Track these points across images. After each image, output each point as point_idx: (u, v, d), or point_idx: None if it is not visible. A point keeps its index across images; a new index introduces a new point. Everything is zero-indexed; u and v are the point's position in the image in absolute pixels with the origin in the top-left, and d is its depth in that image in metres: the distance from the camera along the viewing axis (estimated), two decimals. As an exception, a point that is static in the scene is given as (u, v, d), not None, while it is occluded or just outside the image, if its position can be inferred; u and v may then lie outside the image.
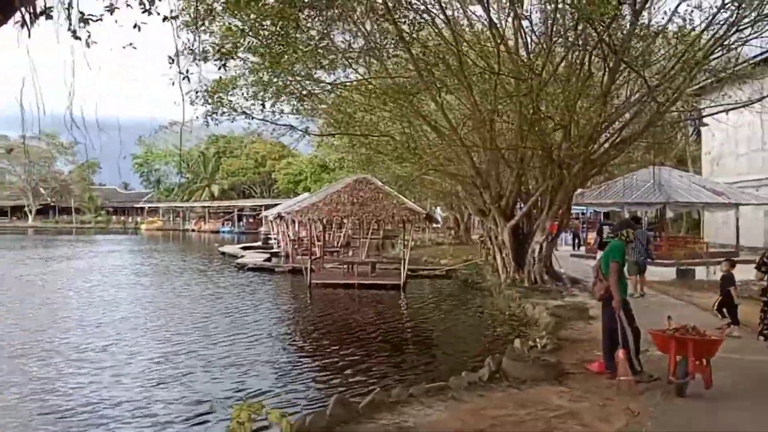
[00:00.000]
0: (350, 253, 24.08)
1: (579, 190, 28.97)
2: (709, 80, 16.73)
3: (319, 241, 21.98)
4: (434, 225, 47.44)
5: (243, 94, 14.62)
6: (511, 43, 13.81)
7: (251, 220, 59.90)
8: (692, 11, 12.42)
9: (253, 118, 14.59)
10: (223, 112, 14.38)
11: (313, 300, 16.48)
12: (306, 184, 58.12)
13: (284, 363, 9.51)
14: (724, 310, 9.31)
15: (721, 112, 15.06)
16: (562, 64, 13.29)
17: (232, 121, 14.96)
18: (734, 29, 12.09)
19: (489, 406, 6.05)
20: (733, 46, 13.51)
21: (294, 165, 63.50)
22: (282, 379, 8.50)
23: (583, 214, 31.70)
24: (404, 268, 17.48)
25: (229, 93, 14.48)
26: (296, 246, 23.72)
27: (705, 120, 33.85)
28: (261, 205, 58.40)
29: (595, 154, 14.29)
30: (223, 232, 60.68)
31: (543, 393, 6.44)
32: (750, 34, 12.58)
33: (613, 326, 6.84)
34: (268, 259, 25.70)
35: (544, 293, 13.65)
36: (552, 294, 13.56)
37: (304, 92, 14.58)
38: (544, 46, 13.05)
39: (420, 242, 33.62)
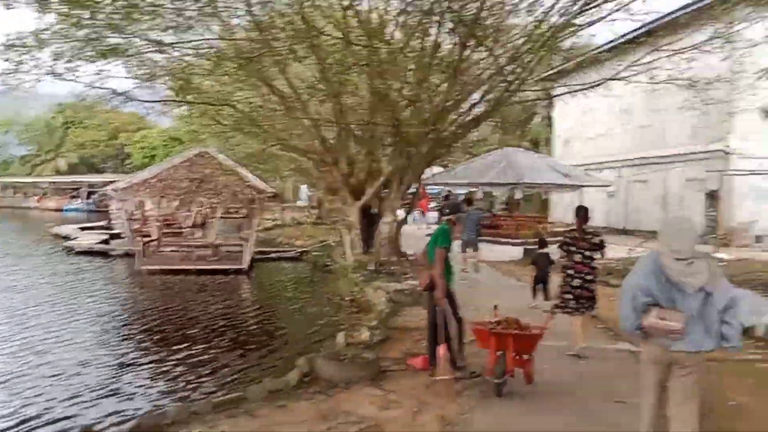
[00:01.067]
0: (198, 234, 22.22)
1: (438, 170, 29.16)
2: (562, 65, 17.10)
3: (158, 221, 19.95)
4: (299, 203, 46.35)
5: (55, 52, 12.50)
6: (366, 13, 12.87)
7: (102, 198, 54.88)
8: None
9: (63, 79, 12.47)
10: (26, 71, 12.21)
11: (142, 290, 14.72)
12: (162, 159, 54.18)
13: (83, 374, 7.82)
14: (542, 286, 9.56)
15: (566, 93, 15.24)
16: (414, 35, 12.58)
17: (38, 81, 12.78)
18: (581, 8, 11.96)
19: (285, 421, 5.11)
20: (582, 27, 13.50)
21: (150, 138, 59.00)
22: (75, 396, 6.91)
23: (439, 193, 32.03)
24: (248, 251, 16.19)
25: (36, 48, 12.31)
26: (137, 227, 21.48)
27: (559, 104, 35.48)
28: (113, 182, 53.65)
29: (444, 132, 13.85)
30: (69, 210, 55.13)
31: (354, 399, 5.63)
32: (599, 16, 12.55)
33: (437, 319, 6.20)
34: (106, 241, 23.15)
35: (388, 276, 13.05)
36: (396, 276, 12.99)
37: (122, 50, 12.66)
38: (395, 14, 12.26)
39: (281, 222, 32.35)
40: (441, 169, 28.65)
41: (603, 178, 26.77)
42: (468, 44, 11.79)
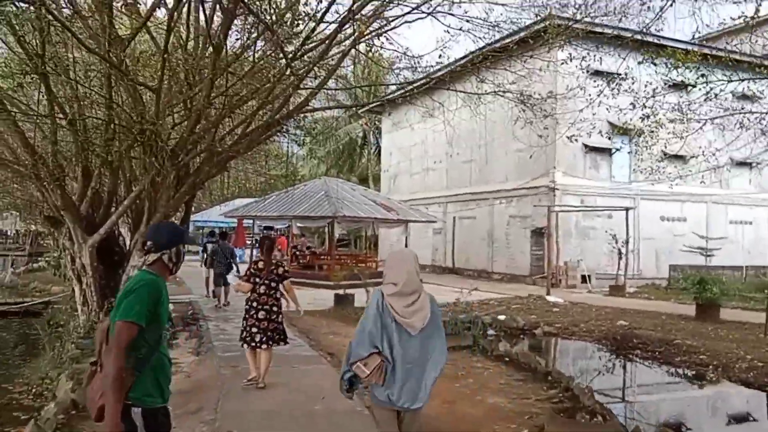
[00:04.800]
0: None
1: (242, 201, 25.28)
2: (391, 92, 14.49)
3: None
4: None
5: None
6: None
7: None
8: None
9: None
10: None
11: None
12: None
13: None
14: None
15: (380, 102, 12.41)
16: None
17: None
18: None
19: None
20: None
21: None
22: None
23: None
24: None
25: None
26: None
27: (386, 138, 33.67)
28: None
29: (217, 143, 10.18)
30: None
31: None
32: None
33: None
34: None
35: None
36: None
37: None
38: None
39: (54, 262, 26.19)
40: (250, 200, 24.89)
41: (429, 214, 24.64)
42: (237, 13, 8.36)
